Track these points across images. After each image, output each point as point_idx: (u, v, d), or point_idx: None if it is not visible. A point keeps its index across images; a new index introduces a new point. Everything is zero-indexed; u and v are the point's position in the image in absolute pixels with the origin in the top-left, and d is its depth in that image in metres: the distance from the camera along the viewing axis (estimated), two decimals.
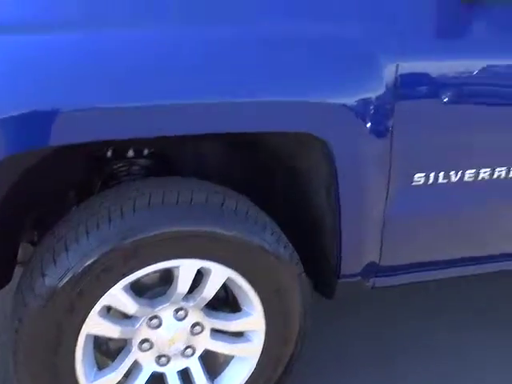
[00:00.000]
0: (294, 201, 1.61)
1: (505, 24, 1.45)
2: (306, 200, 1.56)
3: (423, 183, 1.51)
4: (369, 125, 1.36)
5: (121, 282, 1.31)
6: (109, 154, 1.55)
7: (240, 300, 1.48)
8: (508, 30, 1.45)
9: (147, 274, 1.35)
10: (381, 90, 1.35)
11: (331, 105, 1.31)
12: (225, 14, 1.26)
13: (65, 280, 1.26)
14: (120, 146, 1.56)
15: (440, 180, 1.52)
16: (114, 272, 1.29)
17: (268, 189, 1.65)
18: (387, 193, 1.47)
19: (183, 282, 1.37)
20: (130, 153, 1.56)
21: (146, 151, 1.58)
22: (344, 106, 1.32)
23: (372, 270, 1.60)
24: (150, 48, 1.19)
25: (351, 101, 1.33)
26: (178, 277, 1.36)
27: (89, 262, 1.25)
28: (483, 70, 1.44)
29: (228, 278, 1.41)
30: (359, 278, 1.59)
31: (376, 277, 1.64)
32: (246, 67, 1.25)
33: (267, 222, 1.41)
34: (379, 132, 1.38)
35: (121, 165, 1.56)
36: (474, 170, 1.54)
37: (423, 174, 1.49)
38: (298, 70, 1.28)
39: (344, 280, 1.57)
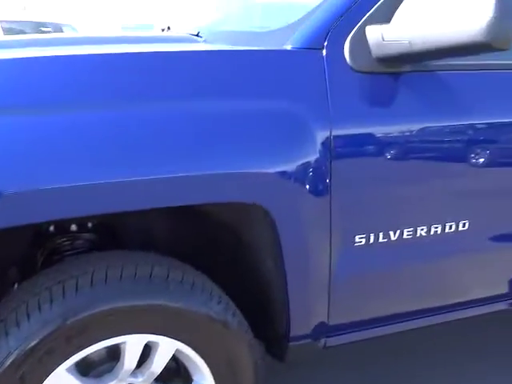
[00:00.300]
0: (240, 268, 1.63)
1: (418, 89, 1.55)
2: (253, 267, 1.58)
3: (365, 243, 1.55)
4: (308, 190, 1.41)
5: (65, 363, 1.28)
6: (51, 228, 1.54)
7: (190, 371, 1.46)
8: (420, 93, 1.56)
9: (93, 352, 1.32)
10: (317, 155, 1.41)
11: (269, 174, 1.35)
12: (160, 91, 1.31)
13: (5, 365, 1.22)
14: (63, 220, 1.54)
15: (380, 239, 1.57)
16: (57, 353, 1.26)
17: (215, 257, 1.66)
18: (331, 255, 1.51)
19: (130, 358, 1.34)
20: (73, 227, 1.54)
21: (89, 224, 1.57)
22: (282, 173, 1.37)
23: (322, 330, 1.61)
24: (83, 129, 1.21)
25: (289, 168, 1.37)
26: (124, 353, 1.33)
27: (31, 345, 1.22)
28: (413, 130, 1.53)
29: (177, 350, 1.39)
30: (310, 339, 1.60)
31: (327, 337, 1.66)
32: (185, 142, 1.29)
33: (214, 290, 1.41)
34: (318, 195, 1.43)
35: (64, 239, 1.54)
36: (411, 228, 1.60)
37: (364, 235, 1.54)
38: (235, 143, 1.32)
39: (294, 343, 1.58)
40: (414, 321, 1.79)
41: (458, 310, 1.86)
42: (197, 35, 1.83)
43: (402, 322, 1.77)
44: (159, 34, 2.13)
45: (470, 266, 1.82)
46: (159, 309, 1.31)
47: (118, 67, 1.32)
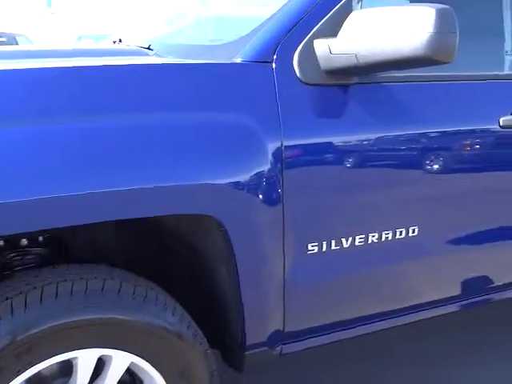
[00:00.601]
0: (196, 278, 1.63)
1: (366, 100, 1.60)
2: (208, 277, 1.59)
3: (318, 251, 1.59)
4: (260, 200, 1.43)
5: (15, 379, 1.26)
6: (1, 243, 1.51)
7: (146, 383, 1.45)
8: (367, 104, 1.61)
9: (44, 368, 1.30)
10: (268, 166, 1.43)
11: (220, 185, 1.37)
12: (109, 104, 1.31)
13: None
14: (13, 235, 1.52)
15: (333, 247, 1.61)
16: (7, 371, 1.23)
17: (171, 268, 1.66)
18: (284, 263, 1.53)
19: (83, 373, 1.33)
20: (24, 241, 1.52)
21: (40, 238, 1.55)
22: (233, 184, 1.39)
23: (277, 338, 1.63)
24: (27, 143, 1.20)
25: (240, 179, 1.40)
26: (77, 368, 1.32)
27: None
28: (361, 140, 1.58)
29: (131, 363, 1.38)
30: (266, 347, 1.62)
31: (283, 344, 1.67)
32: (137, 155, 1.29)
33: (168, 302, 1.41)
34: (270, 205, 1.45)
35: (14, 254, 1.52)
36: (363, 235, 1.64)
37: (316, 243, 1.57)
38: (186, 155, 1.33)
39: (251, 351, 1.59)
40: (368, 325, 1.83)
41: (410, 313, 1.91)
42: (148, 48, 1.84)
43: (356, 327, 1.81)
44: (110, 46, 2.12)
45: (422, 270, 1.87)
46: (111, 322, 1.30)
47: (62, 81, 1.31)
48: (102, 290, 1.30)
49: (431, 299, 1.93)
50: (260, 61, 1.49)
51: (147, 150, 1.31)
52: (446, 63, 1.45)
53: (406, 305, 1.89)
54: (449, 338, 2.51)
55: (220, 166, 1.38)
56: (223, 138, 1.39)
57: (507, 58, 1.98)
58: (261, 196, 1.43)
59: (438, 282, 1.93)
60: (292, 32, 1.52)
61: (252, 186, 1.42)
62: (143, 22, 2.46)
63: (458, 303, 2.01)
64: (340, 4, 1.56)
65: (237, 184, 1.39)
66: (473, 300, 2.04)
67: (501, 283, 2.07)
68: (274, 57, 1.49)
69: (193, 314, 1.49)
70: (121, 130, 1.29)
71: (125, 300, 1.32)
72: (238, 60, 1.50)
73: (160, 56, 1.74)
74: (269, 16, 1.59)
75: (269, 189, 1.44)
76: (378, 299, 1.83)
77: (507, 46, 1.97)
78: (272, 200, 1.45)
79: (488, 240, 1.94)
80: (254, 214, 1.44)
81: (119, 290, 1.32)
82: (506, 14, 2.01)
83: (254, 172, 1.42)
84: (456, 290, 1.97)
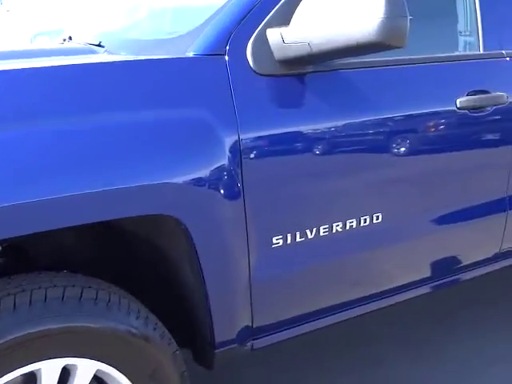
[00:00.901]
0: (162, 279, 1.60)
1: (322, 89, 1.59)
2: (174, 277, 1.56)
3: (283, 244, 1.57)
4: (220, 195, 1.41)
5: None
6: None
7: None
8: (324, 92, 1.59)
9: (7, 382, 1.26)
10: (226, 160, 1.40)
11: (177, 184, 1.34)
12: (57, 106, 1.27)
13: None
14: None
15: (297, 239, 1.59)
16: None
17: (136, 271, 1.62)
18: (249, 258, 1.51)
19: None
20: None
21: None
22: (191, 181, 1.36)
23: (247, 334, 1.62)
24: None
25: (198, 176, 1.37)
26: (41, 380, 1.28)
27: None
28: (319, 129, 1.57)
29: (98, 370, 1.35)
30: (236, 344, 1.60)
31: (253, 339, 1.66)
32: (90, 157, 1.25)
33: (132, 306, 1.38)
34: (231, 200, 1.43)
35: None
36: (327, 225, 1.63)
37: (280, 236, 1.56)
38: (140, 155, 1.30)
39: (221, 349, 1.57)
40: (338, 314, 1.83)
41: (383, 298, 1.91)
42: (99, 45, 1.78)
43: (326, 316, 1.81)
44: (57, 46, 2.06)
45: (390, 255, 1.88)
46: (74, 331, 1.26)
47: (7, 84, 1.26)
48: (63, 298, 1.26)
49: (402, 283, 1.94)
50: (212, 53, 1.46)
51: (101, 152, 1.27)
52: (398, 48, 1.44)
53: (377, 291, 1.89)
54: (423, 322, 2.54)
55: (176, 164, 1.34)
56: (179, 134, 1.36)
57: (461, 39, 1.99)
58: (221, 191, 1.40)
59: (407, 266, 1.94)
60: (244, 22, 1.49)
61: (211, 182, 1.39)
62: (95, 18, 2.39)
63: (429, 285, 2.02)
64: None
65: (195, 181, 1.36)
66: (441, 281, 2.06)
67: (468, 263, 2.10)
68: (227, 48, 1.46)
69: (162, 315, 1.46)
70: (73, 133, 1.24)
71: (86, 307, 1.29)
72: (191, 54, 1.46)
73: (111, 53, 1.69)
74: (220, 6, 1.56)
75: (228, 183, 1.41)
76: (345, 288, 1.84)
77: (460, 27, 1.98)
78: (232, 195, 1.43)
79: (452, 221, 1.96)
80: (214, 210, 1.41)
81: (80, 297, 1.29)
82: None
83: (212, 167, 1.39)
84: (425, 273, 1.99)
